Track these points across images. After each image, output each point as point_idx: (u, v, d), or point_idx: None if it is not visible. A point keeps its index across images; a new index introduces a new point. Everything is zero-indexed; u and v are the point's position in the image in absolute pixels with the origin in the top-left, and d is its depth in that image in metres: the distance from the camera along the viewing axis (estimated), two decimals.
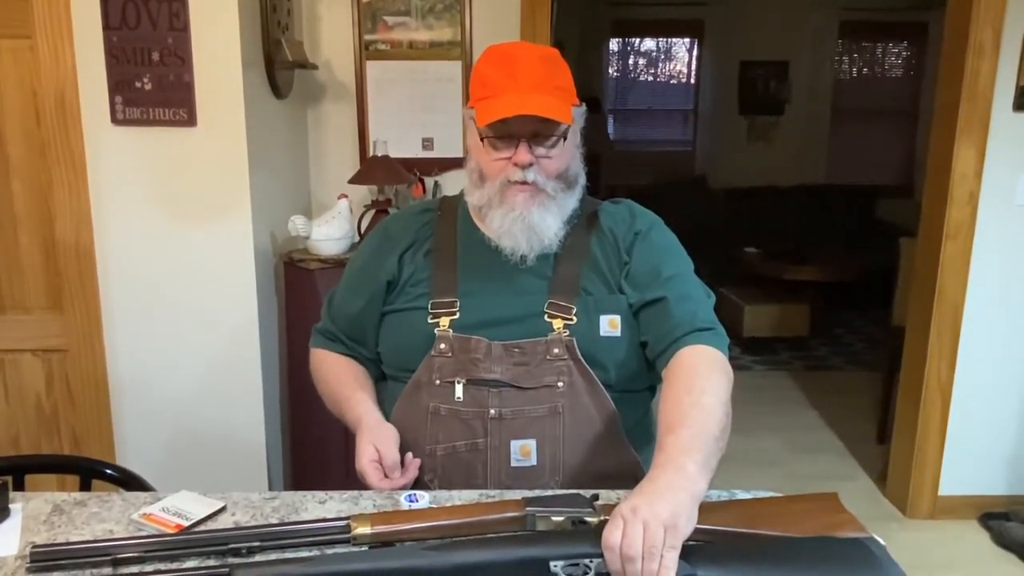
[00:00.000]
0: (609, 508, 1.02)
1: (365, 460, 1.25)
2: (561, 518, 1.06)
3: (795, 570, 0.96)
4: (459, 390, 1.30)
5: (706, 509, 1.01)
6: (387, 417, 1.35)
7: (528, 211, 1.29)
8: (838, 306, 5.37)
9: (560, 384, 1.29)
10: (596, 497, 1.09)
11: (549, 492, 1.15)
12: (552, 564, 0.95)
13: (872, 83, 6.45)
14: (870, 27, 6.22)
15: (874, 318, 5.28)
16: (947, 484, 2.94)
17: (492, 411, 1.29)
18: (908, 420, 2.98)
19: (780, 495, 1.16)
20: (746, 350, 4.79)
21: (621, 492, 1.15)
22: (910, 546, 2.76)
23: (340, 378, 1.43)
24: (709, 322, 1.29)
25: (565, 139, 1.30)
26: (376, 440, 1.27)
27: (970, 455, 2.92)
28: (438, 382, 1.31)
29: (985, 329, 2.83)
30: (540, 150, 1.28)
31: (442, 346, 1.31)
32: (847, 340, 5.14)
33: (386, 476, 1.25)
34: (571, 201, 1.35)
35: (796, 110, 6.27)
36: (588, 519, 1.04)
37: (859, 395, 4.14)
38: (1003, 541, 2.77)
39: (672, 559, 0.92)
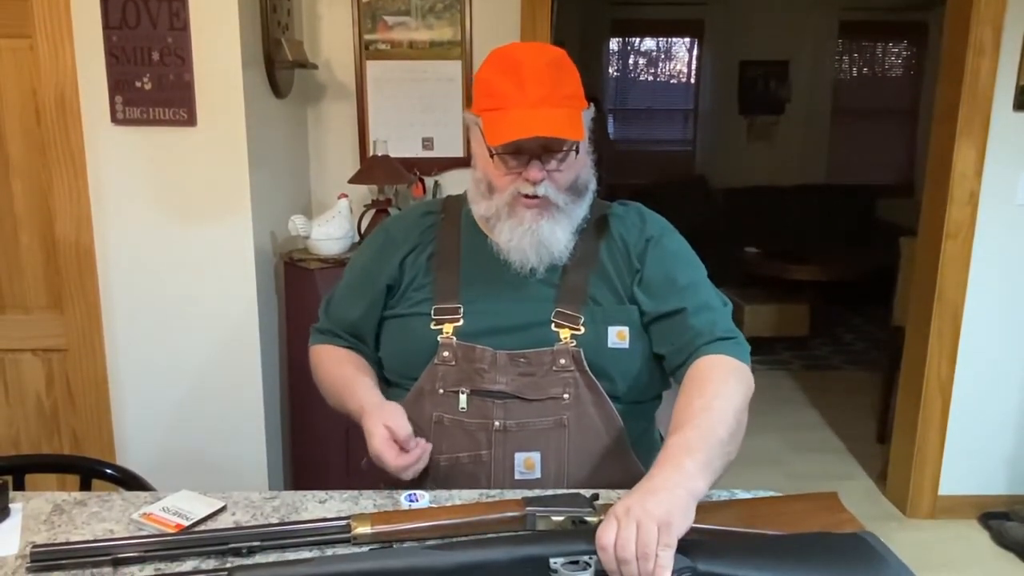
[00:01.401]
0: (609, 508, 1.02)
1: (378, 441, 1.21)
2: (561, 518, 1.06)
3: (794, 563, 0.96)
4: (463, 400, 1.27)
5: (706, 509, 1.01)
6: None
7: (537, 225, 1.26)
8: (838, 306, 5.38)
9: (566, 396, 1.26)
10: (596, 497, 1.09)
11: (549, 492, 1.15)
12: (552, 561, 0.95)
13: (872, 83, 6.44)
14: (870, 27, 6.21)
15: (874, 318, 5.28)
16: (947, 484, 2.94)
17: (497, 423, 1.26)
18: (908, 420, 2.98)
19: (780, 495, 1.16)
20: None
21: (621, 492, 1.15)
22: (910, 546, 2.75)
23: (341, 369, 1.38)
24: (730, 331, 1.27)
25: (577, 151, 1.27)
26: (384, 418, 1.23)
27: (970, 455, 2.92)
28: (442, 391, 1.29)
29: (985, 329, 2.83)
30: (551, 163, 1.26)
31: (445, 354, 1.28)
32: (847, 340, 5.14)
33: (403, 451, 1.21)
34: (581, 210, 1.32)
35: (796, 110, 6.26)
36: (588, 519, 1.04)
37: (859, 395, 4.14)
38: (1003, 541, 2.77)
39: (667, 557, 0.91)
